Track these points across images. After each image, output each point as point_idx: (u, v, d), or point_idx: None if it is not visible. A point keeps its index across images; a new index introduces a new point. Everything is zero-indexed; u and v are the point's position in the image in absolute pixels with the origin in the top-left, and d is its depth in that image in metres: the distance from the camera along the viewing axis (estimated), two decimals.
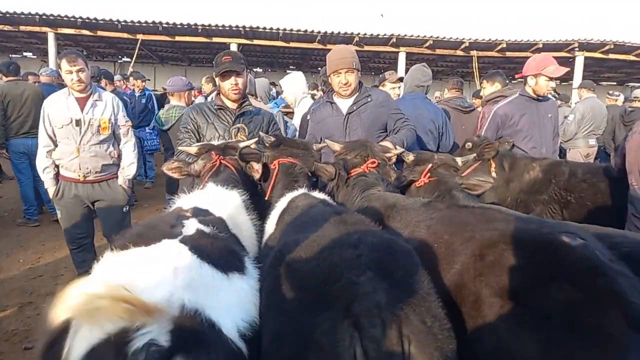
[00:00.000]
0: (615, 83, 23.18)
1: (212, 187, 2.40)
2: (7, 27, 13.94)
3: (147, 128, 8.61)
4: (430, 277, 1.80)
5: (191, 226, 1.75)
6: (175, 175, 2.79)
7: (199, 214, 1.93)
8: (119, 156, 4.54)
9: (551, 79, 4.59)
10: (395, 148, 3.29)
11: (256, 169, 2.77)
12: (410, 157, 3.34)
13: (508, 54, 15.62)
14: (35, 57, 20.18)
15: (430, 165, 3.21)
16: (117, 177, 4.55)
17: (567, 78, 14.77)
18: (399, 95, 5.84)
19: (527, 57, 5.00)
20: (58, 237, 5.73)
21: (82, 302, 1.07)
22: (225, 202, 2.21)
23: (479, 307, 1.59)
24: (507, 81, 6.04)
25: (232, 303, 1.45)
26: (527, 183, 4.19)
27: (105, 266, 1.43)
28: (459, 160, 3.39)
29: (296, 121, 5.60)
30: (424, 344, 1.28)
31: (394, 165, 3.47)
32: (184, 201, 2.19)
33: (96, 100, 4.33)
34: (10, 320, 4.18)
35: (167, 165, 2.80)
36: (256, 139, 3.09)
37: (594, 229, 2.27)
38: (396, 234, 2.21)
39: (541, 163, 4.20)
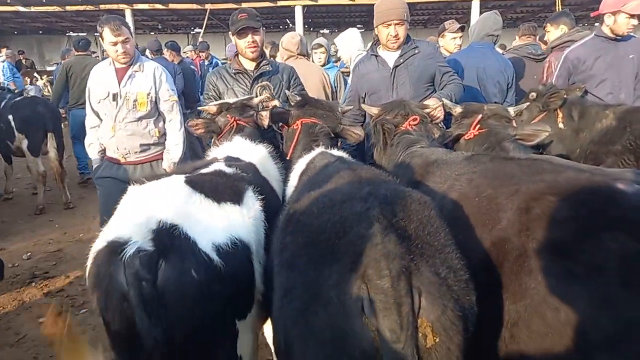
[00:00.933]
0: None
1: (240, 140, 2.65)
2: (89, 7, 14.87)
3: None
4: (470, 233, 1.76)
5: (214, 167, 2.11)
6: (198, 132, 2.98)
7: (231, 160, 2.23)
8: (164, 135, 4.02)
9: (632, 16, 4.07)
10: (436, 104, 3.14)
11: (264, 116, 2.87)
12: (457, 110, 3.18)
13: None
14: None
15: (480, 117, 3.05)
16: (161, 159, 4.04)
17: None
18: (459, 45, 5.51)
19: None
20: None
21: None
22: (253, 152, 2.48)
23: (524, 262, 1.53)
24: (576, 23, 5.42)
25: (216, 225, 1.71)
26: (598, 132, 3.82)
27: (126, 195, 1.87)
28: (511, 110, 3.18)
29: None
30: (436, 296, 1.27)
31: (443, 123, 3.33)
32: (219, 151, 2.50)
33: (136, 71, 3.82)
34: None
35: (191, 122, 2.97)
36: (266, 95, 3.17)
37: None
38: (432, 190, 2.15)
39: (615, 110, 3.79)
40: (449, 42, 5.46)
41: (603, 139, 3.75)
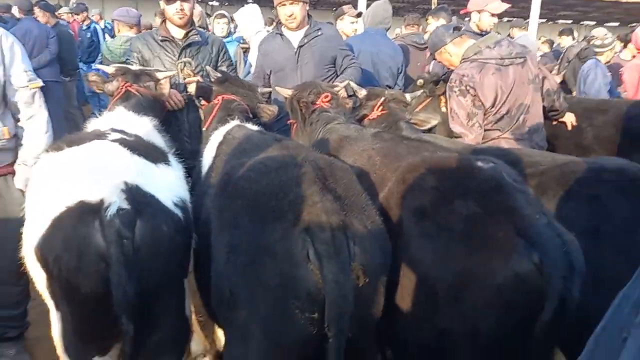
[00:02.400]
0: (571, 21, 23.51)
1: (122, 110, 2.55)
2: None
3: (93, 65, 7.98)
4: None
5: (115, 135, 2.07)
6: (93, 88, 2.96)
7: (116, 132, 2.16)
8: (17, 136, 2.69)
9: (494, 15, 4.68)
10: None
11: (164, 85, 2.95)
12: (362, 93, 3.48)
13: None
14: None
15: (382, 99, 3.39)
16: (12, 173, 2.70)
17: (525, 16, 14.83)
18: (356, 30, 5.81)
19: None
20: None
21: None
22: (137, 125, 2.42)
23: (400, 226, 1.79)
24: (452, 17, 6.08)
25: (162, 184, 1.82)
26: None
27: (46, 162, 1.82)
28: (408, 96, 3.58)
29: (252, 58, 5.50)
30: (366, 245, 1.52)
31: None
32: (98, 123, 2.38)
33: None
34: None
35: (89, 76, 2.95)
36: (174, 72, 3.16)
37: (522, 152, 2.52)
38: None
39: None
40: (347, 25, 5.74)
41: None
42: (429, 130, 4.48)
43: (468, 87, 3.21)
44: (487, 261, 1.56)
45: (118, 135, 2.07)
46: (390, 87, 4.74)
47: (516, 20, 8.63)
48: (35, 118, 2.68)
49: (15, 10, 7.15)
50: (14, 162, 2.69)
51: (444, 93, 4.53)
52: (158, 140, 2.49)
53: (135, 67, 3.12)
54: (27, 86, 2.63)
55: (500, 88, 3.20)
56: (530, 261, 1.52)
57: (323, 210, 1.47)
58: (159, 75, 2.99)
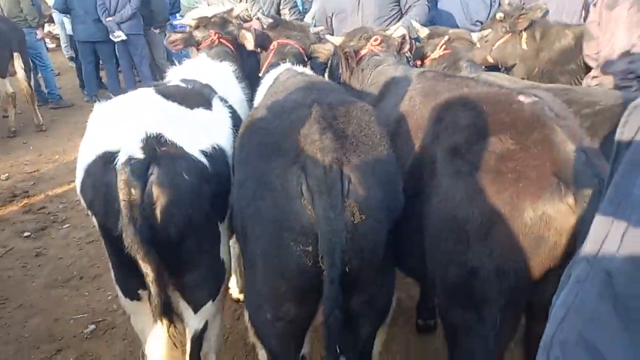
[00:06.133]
0: None
1: (203, 58, 2.67)
2: None
3: (176, 15, 8.11)
4: (409, 144, 1.98)
5: (173, 82, 2.14)
6: (177, 48, 3.03)
7: (185, 82, 2.24)
8: None
9: None
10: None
11: (248, 39, 2.91)
12: (425, 32, 3.33)
13: None
14: None
15: (445, 39, 3.22)
16: None
17: None
18: None
19: None
20: None
21: None
22: (214, 72, 2.49)
23: (435, 167, 1.74)
24: None
25: (193, 128, 1.85)
26: (556, 52, 3.99)
27: (95, 111, 1.95)
28: (474, 35, 3.37)
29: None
30: (362, 182, 1.53)
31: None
32: (173, 72, 2.50)
33: None
34: (74, 193, 4.79)
35: (169, 39, 3.02)
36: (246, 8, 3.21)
37: (584, 91, 2.29)
38: (386, 106, 2.34)
39: (575, 30, 3.94)
40: None
41: (560, 58, 3.93)
42: (507, 71, 4.18)
43: None
44: (516, 199, 1.48)
45: (170, 84, 2.17)
46: (481, 23, 4.46)
47: None
48: None
49: None
50: None
51: (527, 28, 4.18)
52: (233, 85, 2.57)
53: (209, 11, 3.18)
54: None
55: None
56: (563, 201, 1.43)
57: (320, 148, 1.51)
58: (235, 12, 3.07)
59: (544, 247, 1.48)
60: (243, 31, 2.99)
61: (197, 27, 3.04)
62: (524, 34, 4.19)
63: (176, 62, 2.67)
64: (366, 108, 1.80)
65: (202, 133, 1.88)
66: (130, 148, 1.64)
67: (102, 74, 8.50)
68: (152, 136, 1.68)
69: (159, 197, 1.64)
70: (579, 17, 4.50)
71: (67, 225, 4.27)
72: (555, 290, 1.44)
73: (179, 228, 1.70)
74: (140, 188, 1.60)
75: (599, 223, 0.79)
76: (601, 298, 0.71)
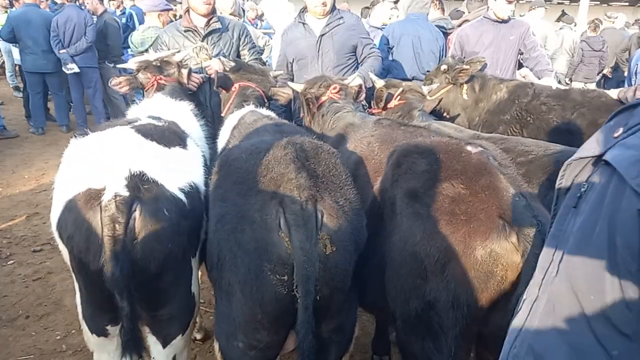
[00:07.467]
0: (626, 3, 22.26)
1: (160, 97, 2.81)
2: None
3: (128, 50, 7.98)
4: (367, 185, 2.16)
5: (144, 120, 2.23)
6: (123, 89, 3.13)
7: (152, 119, 2.35)
8: None
9: (510, 2, 4.65)
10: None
11: (184, 74, 3.15)
12: (380, 84, 3.61)
13: None
14: None
15: (400, 90, 3.52)
16: None
17: None
18: (397, 16, 5.87)
19: None
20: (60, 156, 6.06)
21: None
22: (175, 110, 2.62)
23: (394, 207, 1.94)
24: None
25: (172, 167, 1.96)
26: (493, 103, 4.41)
27: (71, 147, 2.03)
28: (425, 88, 3.71)
29: (275, 50, 5.29)
30: (333, 217, 1.71)
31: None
32: (136, 110, 2.60)
33: None
34: (19, 228, 4.65)
35: (112, 82, 3.13)
36: (204, 56, 3.40)
37: (518, 141, 2.60)
38: (346, 149, 2.54)
39: (508, 84, 4.39)
40: (386, 11, 5.83)
41: (496, 109, 4.36)
42: (452, 120, 4.56)
43: None
44: (468, 239, 1.69)
45: (144, 121, 2.26)
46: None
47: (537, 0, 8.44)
48: None
49: None
50: None
51: (468, 81, 4.61)
52: (193, 123, 2.70)
53: (152, 56, 3.32)
54: None
55: None
56: (508, 240, 1.64)
57: (296, 185, 1.68)
58: (177, 57, 3.22)
59: (492, 281, 1.68)
60: (182, 70, 3.16)
61: (138, 70, 3.18)
62: (465, 86, 4.62)
63: (129, 99, 2.78)
64: (332, 150, 2.00)
65: (180, 171, 1.99)
66: (116, 186, 1.72)
67: (50, 104, 8.27)
68: (135, 174, 1.77)
69: (141, 232, 1.73)
70: (511, 72, 4.99)
71: (12, 261, 4.08)
72: (503, 319, 1.66)
73: (159, 262, 1.78)
74: (124, 224, 1.67)
75: (544, 254, 0.99)
76: (546, 315, 0.90)
